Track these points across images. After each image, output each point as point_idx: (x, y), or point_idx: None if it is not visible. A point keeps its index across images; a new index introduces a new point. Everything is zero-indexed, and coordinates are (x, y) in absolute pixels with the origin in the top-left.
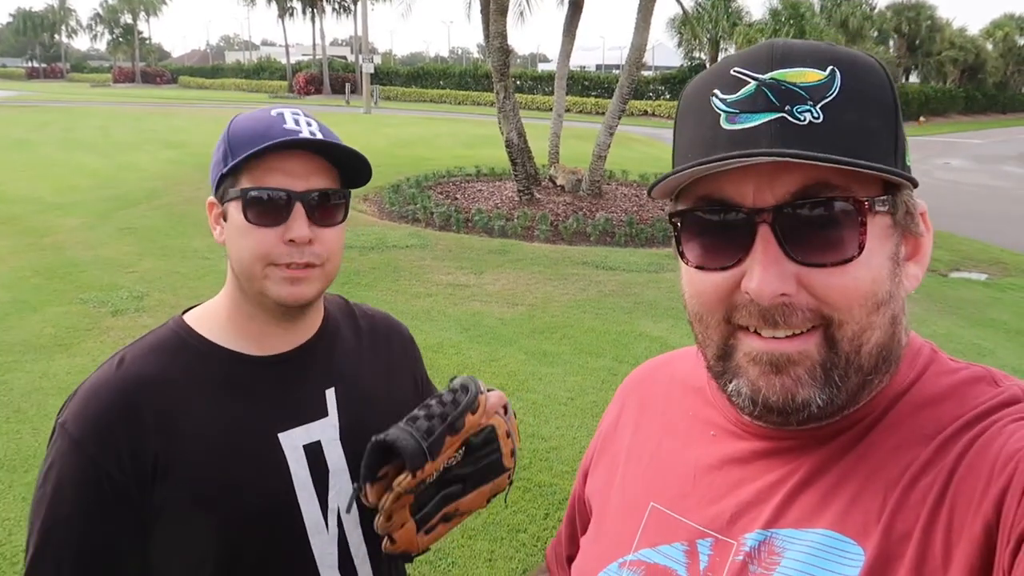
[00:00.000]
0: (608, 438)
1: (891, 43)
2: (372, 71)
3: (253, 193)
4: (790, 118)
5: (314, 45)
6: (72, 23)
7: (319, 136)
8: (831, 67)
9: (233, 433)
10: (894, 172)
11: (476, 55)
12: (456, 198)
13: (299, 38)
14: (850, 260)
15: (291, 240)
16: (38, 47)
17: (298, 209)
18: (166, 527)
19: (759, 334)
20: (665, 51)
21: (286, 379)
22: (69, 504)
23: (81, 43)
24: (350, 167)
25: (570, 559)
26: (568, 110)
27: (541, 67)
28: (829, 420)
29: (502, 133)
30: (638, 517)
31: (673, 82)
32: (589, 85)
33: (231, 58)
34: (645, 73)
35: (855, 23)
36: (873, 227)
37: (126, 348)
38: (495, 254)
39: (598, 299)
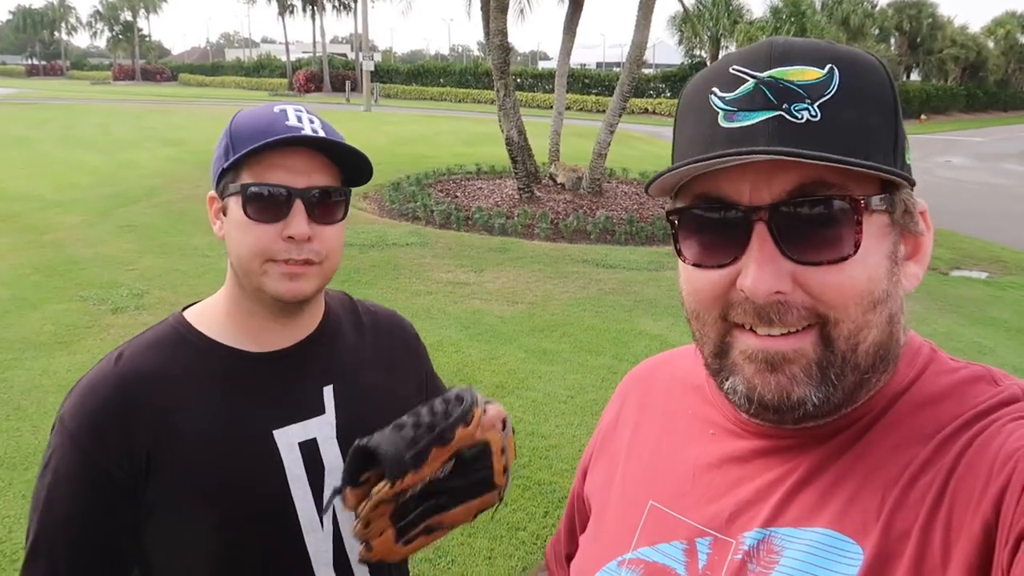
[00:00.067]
0: (608, 436)
1: (892, 41)
2: (372, 69)
3: (253, 189)
4: (787, 116)
5: (314, 43)
6: (72, 20)
7: (321, 134)
8: (830, 65)
9: (229, 429)
10: (889, 171)
11: (476, 53)
12: (456, 196)
13: (299, 35)
14: (846, 258)
15: (290, 237)
16: (38, 44)
17: (298, 206)
18: (160, 522)
19: (755, 332)
20: (666, 49)
21: (284, 375)
22: (65, 498)
23: (81, 40)
24: (351, 165)
25: (569, 557)
26: (568, 108)
27: (541, 65)
28: (827, 419)
29: (502, 131)
30: (637, 515)
31: (674, 80)
32: (590, 83)
33: (231, 55)
34: (646, 71)
35: (856, 21)
36: (869, 226)
37: (125, 343)
38: (495, 252)
39: (598, 297)
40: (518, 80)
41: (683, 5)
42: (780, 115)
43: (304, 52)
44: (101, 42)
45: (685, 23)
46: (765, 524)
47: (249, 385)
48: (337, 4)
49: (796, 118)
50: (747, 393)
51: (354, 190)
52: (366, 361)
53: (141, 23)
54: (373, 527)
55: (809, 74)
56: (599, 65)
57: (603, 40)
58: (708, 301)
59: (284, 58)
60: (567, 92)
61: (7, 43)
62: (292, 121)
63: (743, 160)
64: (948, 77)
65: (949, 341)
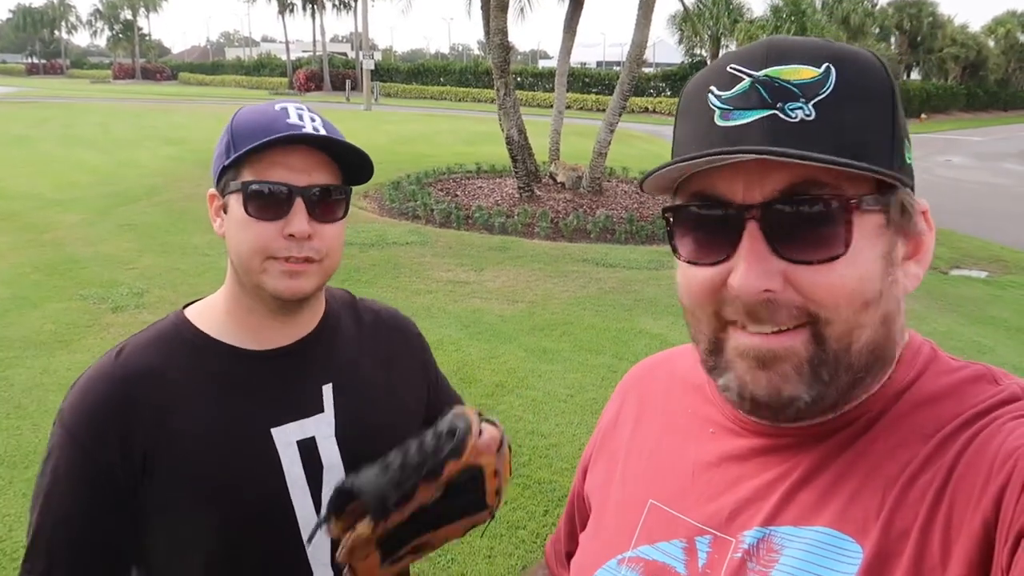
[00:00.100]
0: (607, 435)
1: (892, 40)
2: (372, 68)
3: (254, 186)
4: (781, 115)
5: (314, 41)
6: (72, 19)
7: (322, 132)
8: (826, 64)
9: (227, 429)
10: (879, 171)
11: (477, 52)
12: (456, 195)
13: (299, 34)
14: (836, 258)
15: (291, 235)
16: (38, 43)
17: (298, 204)
18: (159, 522)
19: (747, 329)
20: (666, 48)
21: (282, 374)
22: (64, 494)
23: (81, 39)
24: (352, 164)
25: (569, 555)
26: (569, 107)
27: (542, 64)
28: (825, 417)
29: (502, 130)
30: (637, 514)
31: (674, 79)
32: (590, 82)
33: (231, 54)
34: (646, 70)
35: (856, 20)
36: (862, 225)
37: (127, 340)
38: (495, 251)
39: (598, 296)
40: (518, 79)
41: (683, 4)
42: (774, 114)
43: (304, 51)
44: (101, 41)
45: (685, 22)
46: (765, 523)
47: (248, 384)
48: (337, 3)
49: (790, 117)
50: (739, 390)
51: (354, 189)
52: (366, 360)
53: (141, 22)
54: (357, 552)
55: (805, 73)
56: (599, 64)
57: (603, 39)
58: (702, 298)
59: (284, 57)
60: (567, 91)
61: (7, 42)
62: (293, 119)
63: (731, 159)
64: (948, 76)
65: (949, 340)
